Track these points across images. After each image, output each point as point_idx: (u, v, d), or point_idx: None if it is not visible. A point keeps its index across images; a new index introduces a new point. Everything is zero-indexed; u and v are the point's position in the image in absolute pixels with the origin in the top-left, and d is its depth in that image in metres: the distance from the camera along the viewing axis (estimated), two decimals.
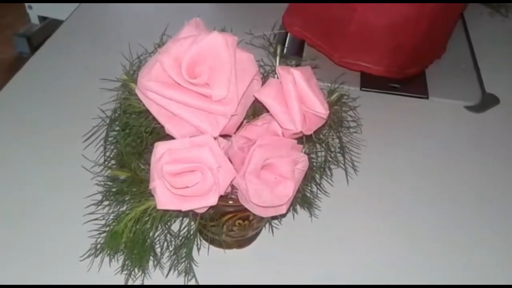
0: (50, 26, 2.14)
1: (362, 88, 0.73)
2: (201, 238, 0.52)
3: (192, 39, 0.43)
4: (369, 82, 0.74)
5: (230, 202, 0.46)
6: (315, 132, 0.46)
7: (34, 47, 2.11)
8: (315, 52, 0.76)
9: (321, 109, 0.44)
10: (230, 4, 0.91)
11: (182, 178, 0.42)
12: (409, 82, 0.75)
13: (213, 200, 0.42)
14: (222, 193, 0.43)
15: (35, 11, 2.12)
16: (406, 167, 0.63)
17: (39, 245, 0.52)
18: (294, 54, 0.78)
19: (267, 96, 0.44)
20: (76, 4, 0.92)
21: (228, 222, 0.49)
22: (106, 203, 0.47)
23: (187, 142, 0.43)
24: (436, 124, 0.70)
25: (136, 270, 0.46)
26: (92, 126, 0.48)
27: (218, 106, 0.43)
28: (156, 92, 0.43)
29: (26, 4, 2.10)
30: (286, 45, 0.79)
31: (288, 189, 0.45)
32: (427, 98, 0.73)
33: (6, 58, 2.10)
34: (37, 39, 2.11)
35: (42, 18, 2.15)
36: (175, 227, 0.47)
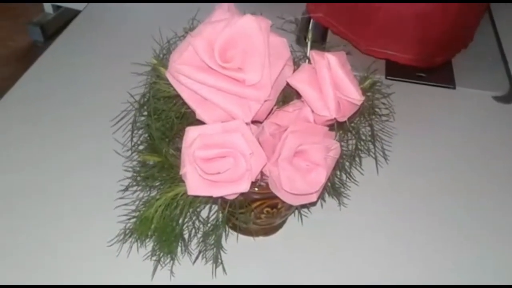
0: (63, 15, 2.14)
1: (388, 77, 0.72)
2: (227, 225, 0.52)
3: (225, 22, 0.42)
4: (394, 71, 0.73)
5: (256, 189, 0.45)
6: (348, 119, 0.46)
7: (48, 36, 2.11)
8: (339, 40, 0.75)
9: (356, 96, 0.43)
10: None
11: (214, 164, 0.42)
12: (435, 71, 0.73)
13: (245, 187, 0.42)
14: (254, 180, 0.43)
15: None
16: (433, 157, 0.62)
17: (69, 230, 0.52)
18: (317, 42, 0.77)
19: (300, 82, 0.44)
20: None
21: (256, 209, 0.48)
22: (136, 188, 0.46)
23: (219, 127, 0.42)
24: (464, 114, 0.69)
25: (165, 256, 0.46)
26: (121, 110, 0.47)
27: (251, 91, 0.42)
28: (188, 76, 0.42)
29: None
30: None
31: (320, 177, 0.44)
32: (454, 88, 0.72)
33: (20, 47, 2.10)
34: (50, 27, 2.11)
35: (55, 7, 2.15)
36: (203, 214, 0.47)
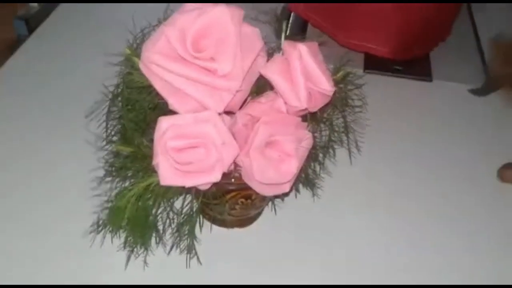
0: (48, 8, 2.12)
1: (366, 70, 0.73)
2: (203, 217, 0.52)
3: (198, 12, 0.42)
4: (372, 63, 0.73)
5: (232, 180, 0.46)
6: (319, 110, 0.46)
7: (32, 30, 2.09)
8: (318, 33, 0.75)
9: (327, 86, 0.43)
10: None
11: (186, 154, 0.42)
12: (413, 64, 0.74)
13: (217, 177, 0.42)
14: (226, 170, 0.43)
15: None
16: (408, 148, 0.63)
17: (42, 220, 0.52)
18: (296, 34, 0.77)
19: (272, 72, 0.44)
20: None
21: (231, 200, 0.48)
22: (109, 179, 0.46)
23: (191, 118, 0.42)
24: (439, 106, 0.70)
25: (138, 246, 0.46)
26: (94, 101, 0.47)
27: (223, 81, 0.42)
28: (161, 65, 0.42)
29: None
30: (289, 25, 0.78)
31: (292, 167, 0.44)
32: (431, 80, 0.73)
33: (4, 40, 2.07)
34: (35, 21, 2.09)
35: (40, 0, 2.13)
36: (177, 204, 0.47)
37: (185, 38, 0.42)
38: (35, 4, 2.08)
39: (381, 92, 0.69)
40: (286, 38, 0.48)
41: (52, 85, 0.68)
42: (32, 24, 2.11)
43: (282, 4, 0.77)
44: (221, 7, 0.42)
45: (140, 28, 0.47)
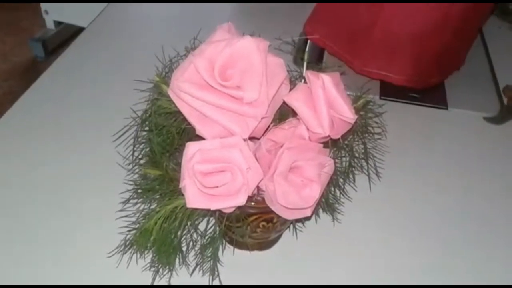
0: (65, 31, 2.18)
1: (382, 97, 0.74)
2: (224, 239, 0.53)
3: (225, 43, 0.44)
4: (388, 91, 0.75)
5: (252, 203, 0.47)
6: (341, 136, 0.47)
7: (49, 51, 2.14)
8: (335, 60, 0.77)
9: (349, 114, 0.45)
10: (255, 11, 0.92)
11: (212, 178, 0.43)
12: (429, 92, 0.75)
13: (242, 200, 0.43)
14: (250, 194, 0.44)
15: (51, 16, 2.16)
16: (425, 176, 0.64)
17: (70, 240, 0.53)
18: (314, 62, 0.79)
19: (296, 100, 0.45)
20: (93, 10, 0.93)
21: (252, 223, 0.49)
22: (136, 200, 0.48)
23: (218, 143, 0.44)
24: (455, 135, 0.71)
25: (163, 267, 0.47)
26: (123, 125, 0.49)
27: (249, 108, 0.44)
28: (189, 93, 0.44)
29: (43, 9, 2.14)
30: (306, 53, 0.80)
31: (314, 192, 0.45)
32: (446, 108, 0.74)
33: (22, 61, 2.13)
34: (52, 43, 2.15)
35: (57, 23, 2.19)
36: (201, 227, 0.48)
37: (213, 68, 0.44)
38: (52, 27, 2.14)
39: (399, 119, 0.71)
40: (307, 66, 0.50)
41: (80, 109, 0.70)
42: (49, 46, 2.18)
43: (299, 34, 0.80)
44: (248, 39, 0.44)
45: (168, 56, 0.49)
